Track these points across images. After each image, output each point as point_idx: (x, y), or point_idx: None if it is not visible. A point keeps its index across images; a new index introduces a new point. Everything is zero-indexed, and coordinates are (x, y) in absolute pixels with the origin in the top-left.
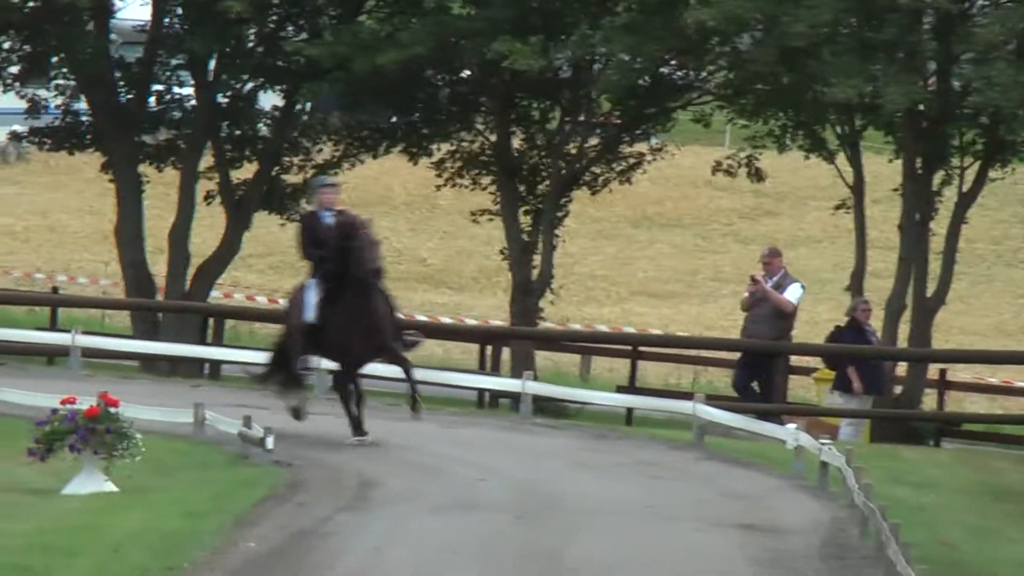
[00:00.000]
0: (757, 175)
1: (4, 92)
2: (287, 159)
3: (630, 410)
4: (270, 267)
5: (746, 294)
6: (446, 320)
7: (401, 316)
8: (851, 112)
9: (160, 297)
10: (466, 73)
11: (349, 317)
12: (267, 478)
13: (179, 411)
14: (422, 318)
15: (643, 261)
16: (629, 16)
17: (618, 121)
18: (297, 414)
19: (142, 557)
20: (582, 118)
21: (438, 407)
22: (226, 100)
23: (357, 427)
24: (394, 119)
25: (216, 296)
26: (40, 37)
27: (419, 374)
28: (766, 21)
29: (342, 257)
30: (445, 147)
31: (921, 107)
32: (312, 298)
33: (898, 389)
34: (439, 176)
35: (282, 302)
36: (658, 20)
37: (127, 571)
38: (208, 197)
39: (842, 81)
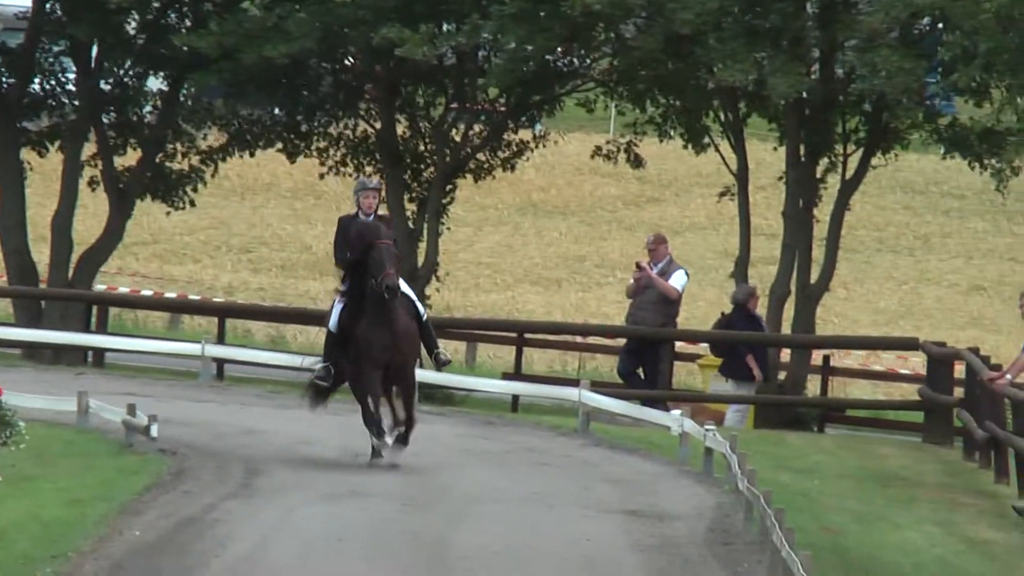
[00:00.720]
0: (637, 161)
1: None
2: (171, 146)
3: (516, 397)
4: (155, 255)
5: (631, 281)
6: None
7: (430, 328)
8: (736, 99)
9: (43, 285)
10: (350, 61)
11: (370, 328)
12: (152, 466)
13: (63, 399)
14: (308, 306)
15: (529, 248)
16: (517, 5)
17: (503, 108)
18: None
19: (26, 546)
20: (467, 105)
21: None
22: (109, 87)
23: (377, 434)
24: (277, 111)
25: (102, 285)
26: None
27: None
28: (652, 7)
29: (361, 267)
30: (330, 134)
31: (805, 95)
32: (338, 306)
33: (782, 375)
34: (323, 164)
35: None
36: (546, 7)
37: (11, 560)
38: (92, 184)
39: (729, 66)
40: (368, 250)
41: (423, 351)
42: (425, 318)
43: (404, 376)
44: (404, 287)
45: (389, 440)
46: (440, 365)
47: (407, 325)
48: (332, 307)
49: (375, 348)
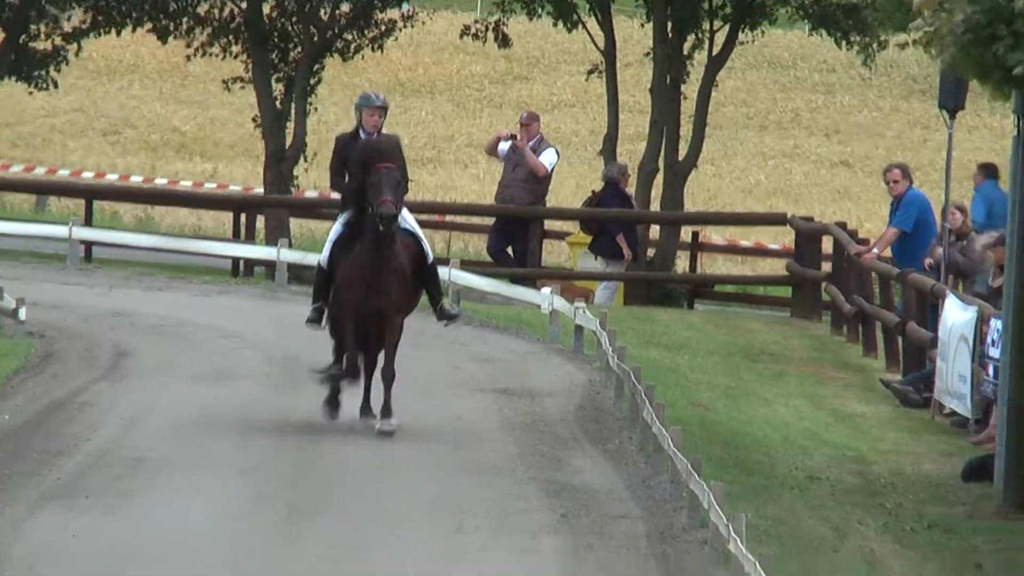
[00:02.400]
0: (504, 41)
1: None
2: (34, 26)
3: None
4: (19, 136)
5: (495, 138)
6: (197, 188)
7: (435, 275)
8: None
9: None
10: None
11: (356, 264)
12: (20, 349)
13: None
14: (181, 186)
15: (398, 127)
16: None
17: None
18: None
19: None
20: None
21: (191, 275)
22: None
23: (364, 403)
24: None
25: None
26: None
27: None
28: None
29: (360, 193)
30: (197, 14)
31: None
32: (333, 235)
33: (651, 252)
34: (188, 46)
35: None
36: None
37: None
38: None
39: None
40: (367, 172)
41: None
42: (430, 259)
43: (386, 325)
44: (411, 224)
45: (372, 417)
46: (445, 318)
47: (399, 267)
48: (330, 233)
49: (354, 291)
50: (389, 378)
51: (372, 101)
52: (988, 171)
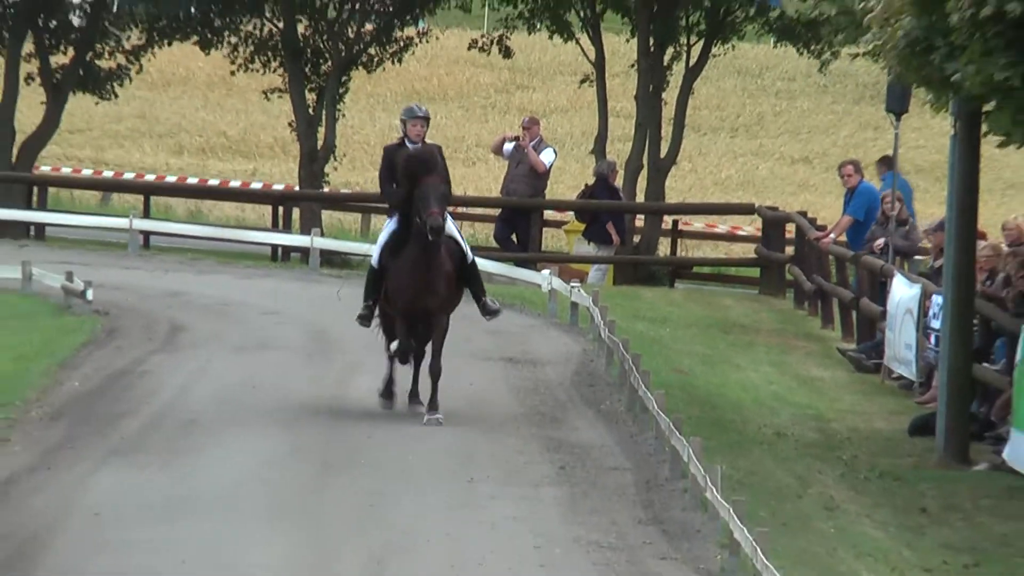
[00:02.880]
0: (507, 52)
1: None
2: (99, 45)
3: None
4: (87, 141)
5: (501, 139)
6: (241, 185)
7: (477, 274)
8: None
9: None
10: None
11: (406, 267)
12: (87, 325)
13: (8, 267)
14: (217, 182)
15: None
16: None
17: (391, 8)
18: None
19: None
20: (360, 6)
21: (235, 260)
22: None
23: (413, 389)
24: (192, 10)
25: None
26: None
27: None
28: None
29: (408, 202)
30: (240, 29)
31: None
32: (382, 239)
33: (637, 238)
34: (232, 63)
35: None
36: None
37: None
38: (28, 79)
39: None
40: (413, 183)
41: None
42: (471, 260)
43: (434, 323)
44: (452, 229)
45: (420, 405)
46: (488, 314)
47: (444, 271)
48: (380, 237)
49: (406, 293)
50: (436, 374)
51: (415, 112)
52: (887, 163)
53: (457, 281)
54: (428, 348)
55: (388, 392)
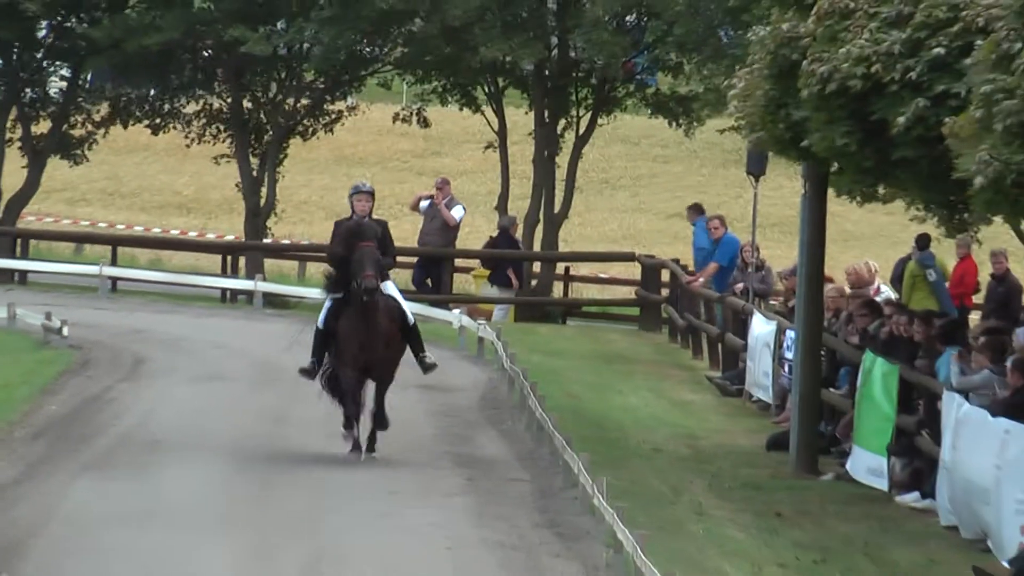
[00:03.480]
0: (425, 123)
1: None
2: (74, 118)
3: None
4: (63, 200)
5: (417, 197)
6: (196, 237)
7: (417, 333)
8: (496, 74)
9: None
10: (206, 52)
11: (350, 327)
12: (64, 358)
13: None
14: (175, 234)
15: (342, 191)
16: (331, 10)
17: (322, 86)
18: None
19: None
20: (295, 84)
21: (190, 302)
22: (25, 75)
23: (355, 436)
24: (152, 91)
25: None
26: None
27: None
28: (431, 5)
29: (346, 268)
30: (192, 108)
31: (547, 72)
32: (327, 305)
33: (534, 282)
34: (186, 136)
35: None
36: (352, 10)
37: None
38: (8, 143)
39: (489, 47)
40: (352, 251)
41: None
42: (412, 322)
43: (381, 378)
44: (392, 290)
45: (356, 433)
46: (425, 369)
47: (386, 328)
48: (325, 303)
49: (352, 347)
50: (381, 424)
51: (360, 188)
52: (698, 210)
53: (400, 339)
54: (372, 398)
55: (349, 424)
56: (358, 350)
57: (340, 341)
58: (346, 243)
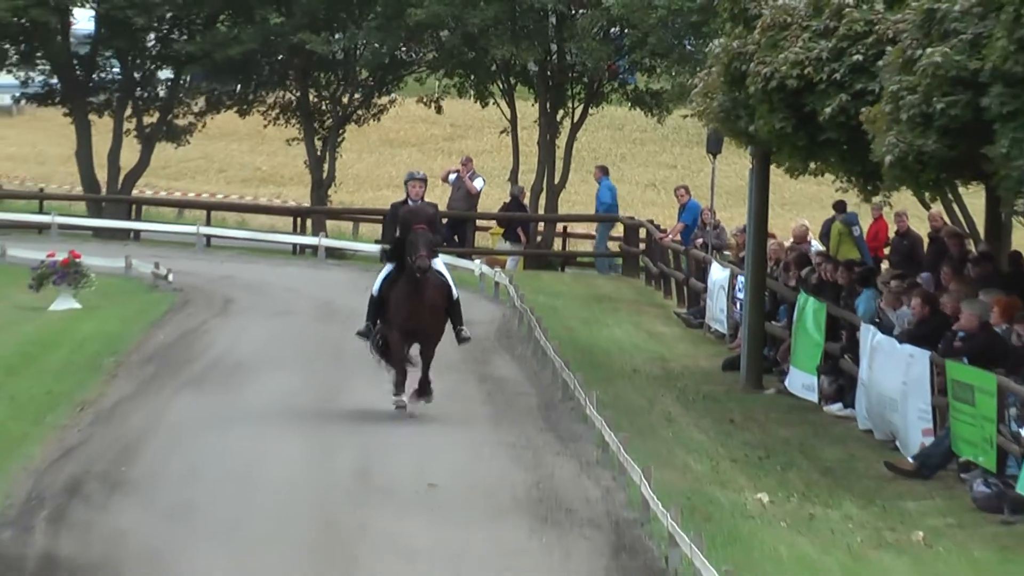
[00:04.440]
0: (439, 109)
1: (6, 72)
2: (176, 110)
3: (383, 254)
4: (168, 175)
5: (446, 172)
6: (272, 202)
7: (459, 308)
8: (508, 73)
9: (104, 191)
10: (280, 55)
11: (401, 296)
12: (169, 299)
13: (116, 260)
14: (262, 202)
15: (388, 166)
16: (378, 21)
17: (372, 83)
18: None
19: (96, 347)
20: (351, 81)
21: (268, 255)
22: (138, 75)
23: (398, 388)
24: (238, 88)
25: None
26: (28, 41)
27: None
28: (455, 18)
29: (401, 246)
30: (266, 102)
31: (548, 72)
32: (381, 275)
33: (539, 238)
34: (265, 119)
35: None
36: (394, 22)
37: (87, 357)
38: (126, 133)
39: (500, 49)
40: (407, 232)
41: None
42: (455, 297)
43: (426, 343)
44: (441, 268)
45: (405, 398)
46: (460, 341)
47: (433, 300)
48: (378, 275)
49: (401, 316)
50: (425, 392)
51: (415, 175)
52: (603, 170)
53: (444, 311)
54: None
55: (397, 388)
56: (407, 317)
57: (391, 308)
58: (403, 224)
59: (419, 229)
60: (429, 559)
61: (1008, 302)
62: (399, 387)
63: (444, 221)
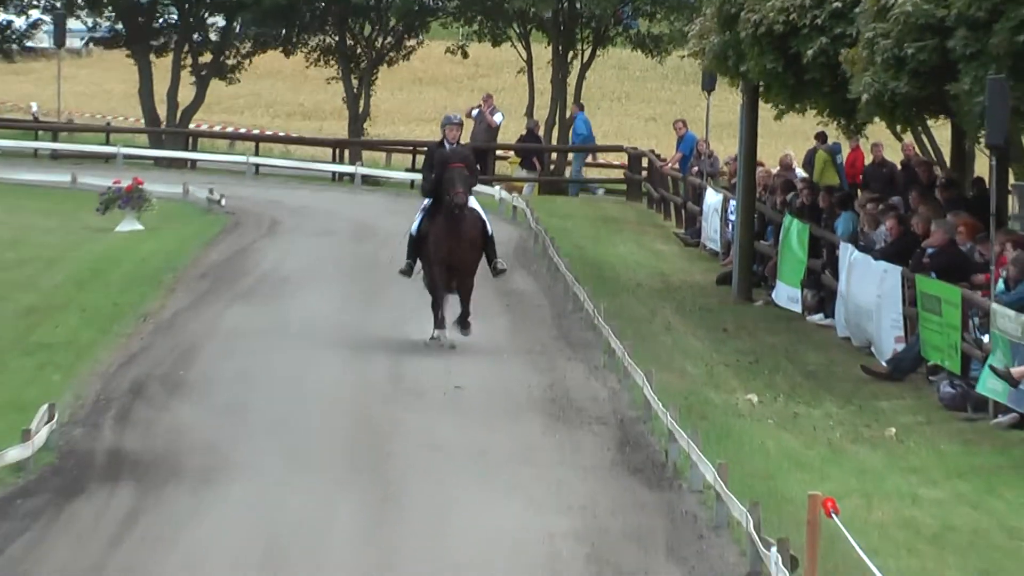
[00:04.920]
0: (464, 55)
1: (75, 18)
2: (227, 52)
3: (412, 182)
4: (221, 110)
5: (470, 108)
6: (314, 135)
7: (493, 242)
8: (524, 20)
9: (163, 125)
10: (322, 3)
11: (440, 232)
12: (221, 221)
13: (174, 186)
14: (305, 134)
15: (416, 103)
16: None
17: (401, 28)
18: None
19: (157, 263)
20: (381, 27)
21: (310, 181)
22: (193, 20)
23: (437, 324)
24: (282, 32)
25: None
26: None
27: (300, 165)
28: None
29: (439, 184)
30: (308, 43)
31: (560, 19)
32: (419, 215)
33: (552, 167)
34: (307, 62)
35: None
36: None
37: (150, 271)
38: (183, 72)
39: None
40: (444, 171)
41: (484, 259)
42: (491, 233)
43: (464, 276)
44: (475, 205)
45: (447, 333)
46: (496, 274)
47: (471, 235)
48: (416, 215)
49: (441, 250)
50: (465, 324)
51: (451, 120)
52: (580, 106)
53: (481, 245)
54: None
55: (438, 322)
56: (447, 253)
57: (431, 244)
58: (440, 164)
59: (455, 167)
60: (454, 452)
61: (972, 223)
62: (439, 323)
63: None
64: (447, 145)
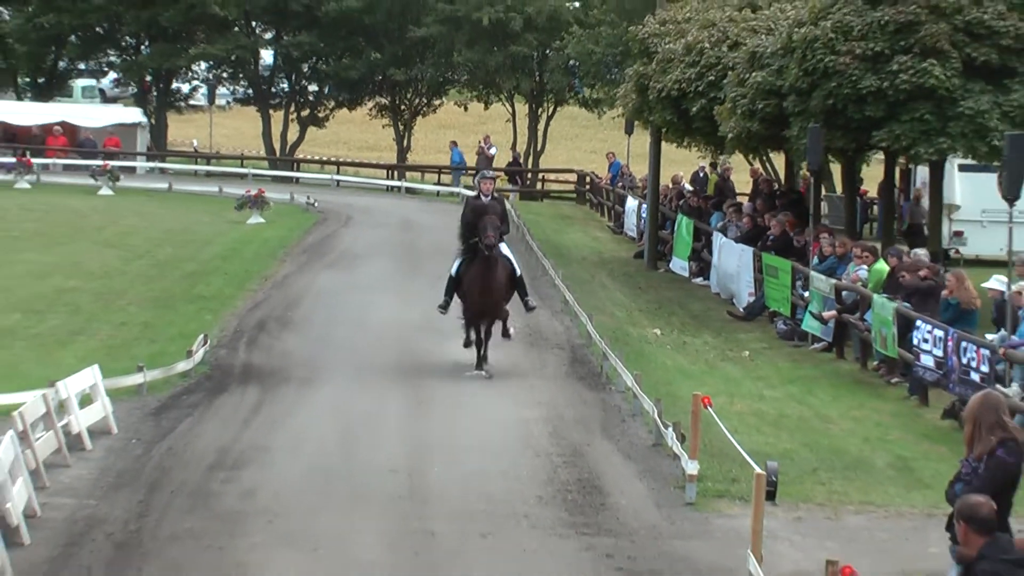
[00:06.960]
0: (465, 108)
1: (222, 86)
2: (319, 107)
3: (439, 192)
4: (316, 144)
5: (481, 144)
6: (371, 160)
7: (523, 283)
8: (511, 90)
9: (277, 155)
10: (379, 76)
11: (473, 277)
12: (314, 217)
13: (284, 194)
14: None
15: (442, 141)
16: (433, 59)
17: (430, 93)
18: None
19: (274, 244)
20: (418, 92)
21: (370, 192)
22: (297, 87)
23: (478, 363)
24: (355, 95)
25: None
26: (234, 67)
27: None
28: (480, 61)
29: (474, 232)
30: (371, 103)
31: (533, 90)
32: (458, 260)
33: (528, 182)
34: (369, 114)
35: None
36: (443, 60)
37: (269, 250)
38: (291, 120)
39: (507, 82)
40: (478, 220)
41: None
42: (519, 275)
43: (493, 314)
44: (506, 251)
45: (482, 372)
46: (528, 310)
47: (500, 279)
48: (455, 260)
49: (474, 292)
50: (485, 361)
51: (486, 175)
52: (454, 143)
53: (509, 288)
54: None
55: (468, 343)
56: (479, 295)
57: (466, 285)
58: (475, 214)
59: (488, 218)
60: (465, 368)
61: (793, 221)
62: (479, 364)
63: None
64: (483, 198)
